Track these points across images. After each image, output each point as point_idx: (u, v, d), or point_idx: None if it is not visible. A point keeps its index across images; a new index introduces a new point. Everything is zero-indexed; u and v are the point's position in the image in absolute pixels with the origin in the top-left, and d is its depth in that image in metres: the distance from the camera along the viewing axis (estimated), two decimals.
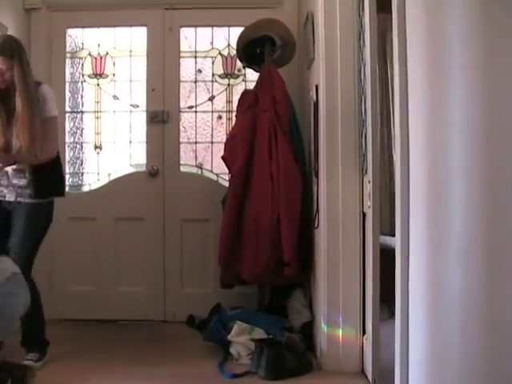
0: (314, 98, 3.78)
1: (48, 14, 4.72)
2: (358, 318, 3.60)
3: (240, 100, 4.34)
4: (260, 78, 4.24)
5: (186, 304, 4.64)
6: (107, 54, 4.76)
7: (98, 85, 4.78)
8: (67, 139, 4.80)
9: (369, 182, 3.35)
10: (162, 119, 4.68)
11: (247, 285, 4.30)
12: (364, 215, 3.58)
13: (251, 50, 4.34)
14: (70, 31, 4.79)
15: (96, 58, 4.77)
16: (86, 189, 4.87)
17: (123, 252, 4.67)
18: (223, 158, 4.27)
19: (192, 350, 4.06)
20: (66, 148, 4.78)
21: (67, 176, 4.77)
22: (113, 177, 4.79)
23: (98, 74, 4.77)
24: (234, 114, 4.54)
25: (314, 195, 3.89)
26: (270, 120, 4.07)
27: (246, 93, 4.36)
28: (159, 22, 4.70)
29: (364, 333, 3.58)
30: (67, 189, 4.75)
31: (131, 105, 4.76)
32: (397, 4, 2.47)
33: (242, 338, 3.79)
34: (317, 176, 3.80)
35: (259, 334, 3.80)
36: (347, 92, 3.60)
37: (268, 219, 3.99)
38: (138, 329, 4.54)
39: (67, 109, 4.80)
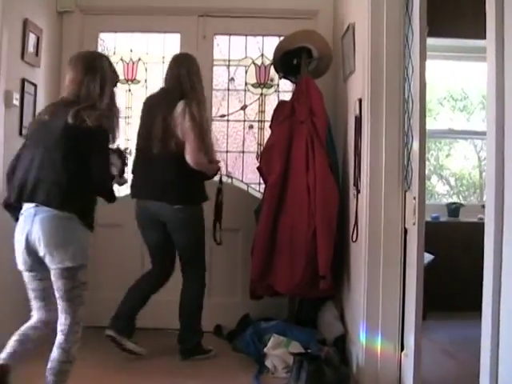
0: (357, 111, 3.76)
1: (80, 18, 4.69)
2: (397, 334, 3.59)
3: (276, 111, 4.33)
4: (297, 89, 4.23)
5: (213, 314, 4.59)
6: (139, 59, 4.74)
7: (130, 90, 4.73)
8: None
9: (414, 198, 3.34)
10: None
11: (279, 296, 4.28)
12: (406, 231, 3.57)
13: (288, 61, 4.33)
14: (102, 35, 4.76)
15: (128, 63, 4.74)
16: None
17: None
18: (259, 168, 4.25)
19: (223, 361, 4.04)
20: None
21: None
22: None
23: (129, 80, 4.73)
24: (268, 124, 4.52)
25: (353, 209, 3.87)
26: (307, 132, 4.05)
27: (282, 104, 4.35)
28: (193, 29, 4.67)
29: (402, 348, 3.57)
30: None
31: None
32: None
33: (278, 351, 3.77)
34: (357, 190, 3.78)
35: (296, 347, 3.78)
36: (392, 107, 3.58)
37: (304, 232, 3.96)
38: (164, 338, 4.48)
39: None
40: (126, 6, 4.65)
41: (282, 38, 4.49)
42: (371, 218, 3.60)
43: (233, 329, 4.45)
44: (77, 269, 2.82)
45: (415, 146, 3.31)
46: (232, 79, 4.76)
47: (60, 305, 2.85)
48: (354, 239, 3.82)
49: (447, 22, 5.02)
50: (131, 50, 4.74)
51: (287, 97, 4.70)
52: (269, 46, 4.70)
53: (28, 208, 2.82)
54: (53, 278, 2.82)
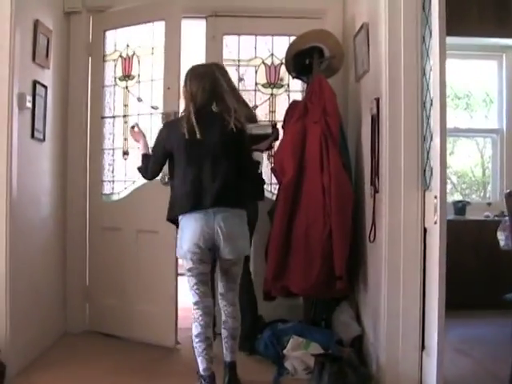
0: (374, 111, 3.74)
1: (87, 17, 4.62)
2: (418, 333, 3.58)
3: (288, 111, 4.31)
4: (310, 88, 4.20)
5: None
6: (134, 54, 4.56)
7: (127, 87, 4.61)
8: (105, 145, 4.71)
9: (435, 197, 3.33)
10: None
11: (293, 297, 4.27)
12: (425, 230, 3.57)
13: (299, 61, 4.31)
14: (107, 34, 4.67)
15: (125, 59, 4.59)
16: (115, 197, 4.70)
17: (159, 266, 4.49)
18: (273, 169, 4.23)
19: (240, 363, 3.98)
20: (105, 155, 4.70)
21: (104, 184, 4.69)
22: (137, 185, 4.54)
23: (126, 76, 4.60)
24: (281, 124, 4.51)
25: (370, 209, 3.86)
26: (321, 131, 4.03)
27: (294, 104, 4.32)
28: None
29: (423, 347, 3.57)
30: (103, 197, 4.69)
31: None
32: None
33: (298, 353, 3.76)
34: (375, 189, 3.76)
35: (315, 348, 3.77)
36: (411, 106, 3.57)
37: (319, 232, 3.94)
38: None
39: (104, 114, 4.70)
40: (130, 8, 4.53)
41: (293, 38, 4.46)
42: (391, 217, 3.60)
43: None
44: (246, 256, 3.64)
45: (436, 144, 3.29)
46: (241, 79, 4.71)
47: (229, 286, 3.49)
48: (371, 239, 3.81)
49: (452, 20, 5.03)
50: (128, 45, 4.58)
51: (297, 97, 4.70)
52: (278, 45, 4.67)
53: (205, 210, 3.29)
54: (225, 265, 3.43)
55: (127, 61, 4.57)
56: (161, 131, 3.53)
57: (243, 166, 3.47)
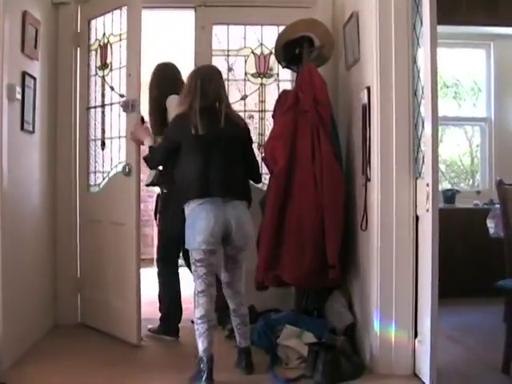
0: (365, 100, 3.75)
1: (75, 8, 4.59)
2: (411, 321, 3.61)
3: (279, 100, 4.30)
4: (300, 78, 4.18)
5: None
6: (108, 42, 4.51)
7: (103, 76, 4.57)
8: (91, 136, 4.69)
9: (427, 184, 3.34)
10: None
11: (285, 287, 4.27)
12: (417, 218, 3.59)
13: (289, 51, 4.30)
14: (92, 23, 4.63)
15: (102, 48, 4.55)
16: (96, 189, 4.68)
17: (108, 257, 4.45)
18: (264, 158, 4.22)
19: (233, 354, 4.00)
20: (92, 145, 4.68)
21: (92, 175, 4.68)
22: (111, 176, 4.52)
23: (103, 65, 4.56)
24: (269, 114, 4.50)
25: (361, 197, 3.86)
26: (312, 121, 4.02)
27: (285, 93, 4.31)
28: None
29: (416, 335, 3.59)
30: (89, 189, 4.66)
31: None
32: None
33: (291, 342, 3.77)
34: (367, 178, 3.77)
35: (309, 337, 3.78)
36: (401, 94, 3.60)
37: (312, 221, 3.94)
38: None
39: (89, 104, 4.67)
40: None
41: (282, 28, 4.44)
42: (383, 206, 3.62)
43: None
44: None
45: (428, 131, 3.32)
46: (231, 69, 4.70)
47: (237, 275, 3.73)
48: (363, 228, 3.82)
49: (441, 9, 5.04)
50: (104, 34, 4.53)
51: (287, 86, 4.69)
52: (267, 35, 4.66)
53: (215, 199, 3.48)
54: (234, 251, 3.65)
55: (104, 49, 4.54)
56: (172, 124, 3.76)
57: (249, 160, 3.82)
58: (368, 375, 3.62)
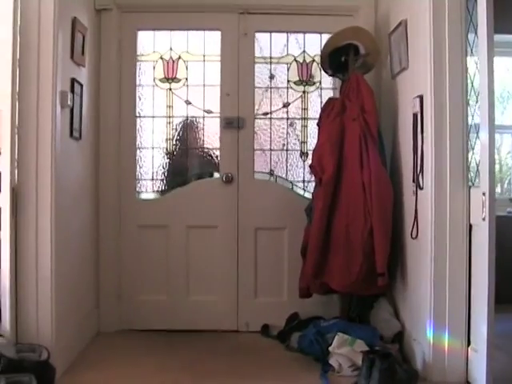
0: (417, 108, 3.75)
1: (118, 15, 4.60)
2: (464, 329, 3.61)
3: (325, 108, 4.30)
4: (347, 86, 4.20)
5: (259, 313, 4.60)
6: (179, 57, 4.67)
7: (170, 89, 4.67)
8: (139, 144, 4.72)
9: (483, 193, 3.34)
10: (238, 125, 4.60)
11: (331, 294, 4.29)
12: (471, 227, 3.59)
13: (335, 59, 4.32)
14: (140, 33, 4.68)
15: (168, 62, 4.67)
16: (157, 195, 4.76)
17: (195, 261, 4.60)
18: (311, 166, 4.22)
19: (281, 361, 4.00)
20: (138, 153, 4.69)
21: (139, 182, 4.68)
22: (185, 184, 4.71)
23: (169, 78, 4.67)
24: (311, 121, 4.53)
25: (411, 205, 3.87)
26: (359, 129, 4.03)
27: (331, 101, 4.32)
28: (234, 26, 4.62)
29: (469, 343, 3.60)
30: (137, 196, 4.67)
31: (204, 110, 4.66)
32: None
33: (343, 350, 3.76)
34: (419, 186, 3.77)
35: (361, 345, 3.77)
36: (455, 102, 3.60)
37: (360, 229, 3.95)
38: (212, 339, 4.45)
39: (139, 113, 4.70)
40: (164, 3, 4.58)
41: (324, 36, 4.50)
42: (437, 214, 3.62)
43: (283, 328, 4.42)
44: None
45: (484, 140, 3.31)
46: (272, 76, 4.71)
47: None
48: (413, 236, 3.83)
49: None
50: (171, 48, 4.66)
51: (329, 94, 4.70)
52: (309, 43, 4.67)
53: None
54: None
55: (171, 63, 4.69)
56: None
57: None
58: (421, 383, 3.61)
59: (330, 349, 3.78)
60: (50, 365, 3.33)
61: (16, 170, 3.47)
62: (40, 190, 3.49)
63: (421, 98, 3.74)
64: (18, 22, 3.47)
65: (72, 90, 3.89)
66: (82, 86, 4.09)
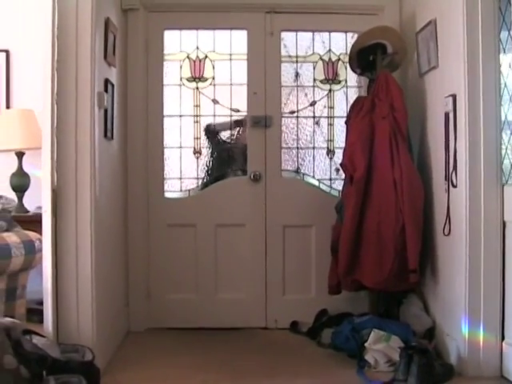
0: (450, 107, 3.80)
1: (145, 15, 4.62)
2: (498, 324, 3.66)
3: (354, 107, 4.34)
4: (376, 85, 4.24)
5: (287, 310, 4.64)
6: (206, 56, 4.70)
7: (197, 88, 4.69)
8: (166, 143, 4.73)
9: None
10: (265, 124, 4.62)
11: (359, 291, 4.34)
12: (504, 224, 3.65)
13: (362, 58, 4.36)
14: (167, 33, 4.70)
15: (195, 61, 4.69)
16: (185, 195, 4.79)
17: (224, 259, 4.63)
18: (343, 164, 4.27)
19: (314, 358, 4.04)
20: (166, 152, 4.71)
21: (166, 181, 4.70)
22: (213, 182, 4.74)
23: (196, 77, 4.69)
24: (338, 120, 4.57)
25: (443, 203, 3.91)
26: (390, 127, 4.08)
27: (360, 100, 4.36)
28: (260, 25, 4.64)
29: (503, 338, 3.66)
30: (165, 195, 4.70)
31: (232, 109, 4.69)
32: None
33: (379, 346, 3.80)
34: (452, 184, 3.81)
35: (396, 341, 3.82)
36: (489, 100, 3.64)
37: (392, 226, 4.00)
38: (242, 336, 4.49)
39: (166, 112, 4.71)
40: (191, 3, 4.60)
41: (350, 35, 4.56)
42: (471, 211, 3.66)
43: (312, 325, 4.47)
44: None
45: None
46: (298, 75, 4.74)
47: None
48: (446, 233, 3.88)
49: None
50: (197, 48, 4.68)
51: (354, 92, 4.74)
52: (334, 41, 4.71)
53: None
54: None
55: (197, 63, 4.71)
56: None
57: None
58: (457, 378, 3.66)
59: (366, 345, 3.83)
60: (95, 365, 3.35)
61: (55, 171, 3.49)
62: (79, 191, 3.49)
63: (454, 97, 3.78)
64: (56, 23, 3.46)
65: (105, 91, 3.90)
66: (113, 86, 4.11)
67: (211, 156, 4.74)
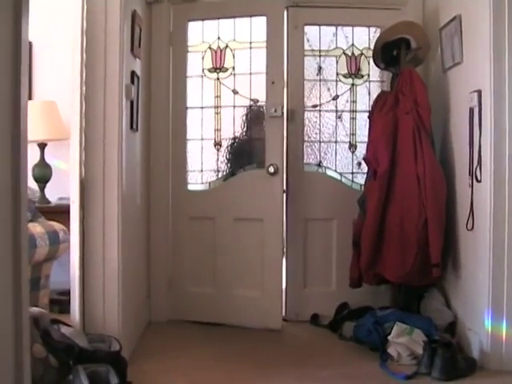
0: (475, 103, 3.81)
1: (169, 7, 4.63)
2: None
3: (377, 102, 4.35)
4: (400, 80, 4.25)
5: (309, 303, 4.67)
6: (227, 46, 4.67)
7: (218, 79, 4.69)
8: (188, 136, 4.74)
9: None
10: (287, 117, 4.63)
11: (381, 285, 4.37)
12: None
13: (386, 53, 4.37)
14: (190, 24, 4.70)
15: (216, 51, 4.68)
16: (205, 187, 4.78)
17: (244, 251, 4.60)
18: (366, 159, 4.29)
19: (336, 350, 4.09)
20: (188, 144, 4.73)
21: (188, 174, 4.72)
22: (232, 175, 4.72)
23: (217, 68, 4.68)
24: (361, 114, 4.59)
25: (467, 197, 3.93)
26: (413, 122, 4.11)
27: (383, 95, 4.37)
28: (280, 13, 4.57)
29: None
30: (187, 187, 4.71)
31: (251, 99, 4.65)
32: None
33: (402, 339, 3.83)
34: (476, 179, 3.82)
35: (419, 334, 3.84)
36: None
37: (415, 221, 4.03)
38: (263, 328, 4.50)
39: (188, 104, 4.72)
40: None
41: (372, 29, 4.58)
42: (495, 206, 3.68)
43: (333, 318, 4.49)
44: None
45: None
46: (320, 69, 4.75)
47: None
48: (469, 227, 3.89)
49: None
50: (219, 38, 4.67)
51: (377, 87, 4.75)
52: (357, 36, 4.72)
53: None
54: None
55: (218, 53, 4.67)
56: None
57: None
58: (480, 372, 3.68)
59: (389, 338, 3.86)
60: (122, 356, 3.39)
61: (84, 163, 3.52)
62: (107, 183, 3.52)
63: (479, 92, 3.79)
64: (85, 14, 3.49)
65: (132, 83, 3.92)
66: (138, 78, 4.13)
67: (231, 148, 4.73)
